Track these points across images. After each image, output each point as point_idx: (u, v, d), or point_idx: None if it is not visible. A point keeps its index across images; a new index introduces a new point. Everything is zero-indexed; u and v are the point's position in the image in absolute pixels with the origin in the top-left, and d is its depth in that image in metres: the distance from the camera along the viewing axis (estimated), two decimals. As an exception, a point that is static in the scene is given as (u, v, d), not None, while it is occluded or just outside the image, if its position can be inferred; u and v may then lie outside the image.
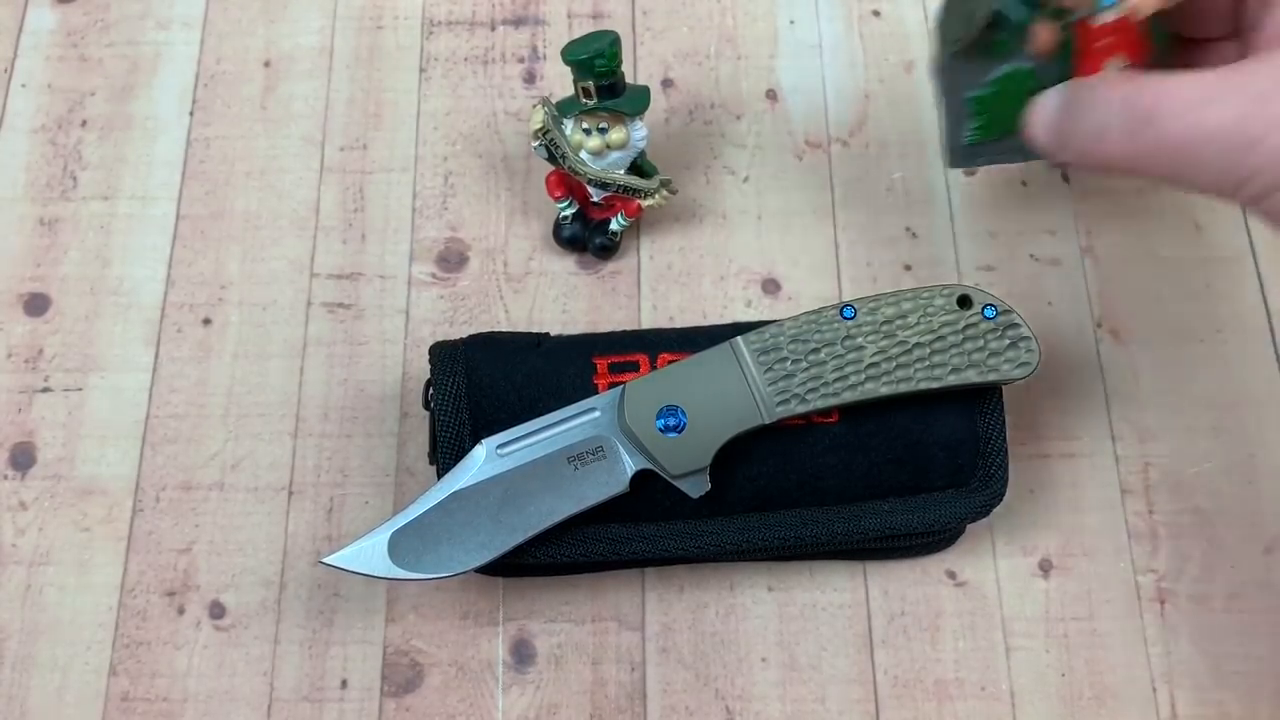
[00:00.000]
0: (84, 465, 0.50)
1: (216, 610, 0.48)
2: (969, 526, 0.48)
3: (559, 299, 0.53)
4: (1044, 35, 0.41)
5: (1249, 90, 0.35)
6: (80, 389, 0.52)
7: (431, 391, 0.46)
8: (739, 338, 0.44)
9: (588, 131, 0.50)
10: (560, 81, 0.57)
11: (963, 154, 0.45)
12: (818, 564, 0.49)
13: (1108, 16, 0.40)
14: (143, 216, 0.55)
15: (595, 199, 0.53)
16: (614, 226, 0.53)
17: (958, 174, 0.55)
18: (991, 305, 0.44)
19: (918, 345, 0.44)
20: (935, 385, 0.44)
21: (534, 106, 0.50)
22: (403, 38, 0.59)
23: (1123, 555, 0.49)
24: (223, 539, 0.49)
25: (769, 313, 0.53)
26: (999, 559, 0.49)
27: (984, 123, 0.43)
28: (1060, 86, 0.40)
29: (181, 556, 0.49)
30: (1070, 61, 0.41)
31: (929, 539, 0.47)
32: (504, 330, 0.52)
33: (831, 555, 0.48)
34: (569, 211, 0.53)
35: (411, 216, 0.55)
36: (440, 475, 0.44)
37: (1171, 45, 0.42)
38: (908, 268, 0.54)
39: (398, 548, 0.43)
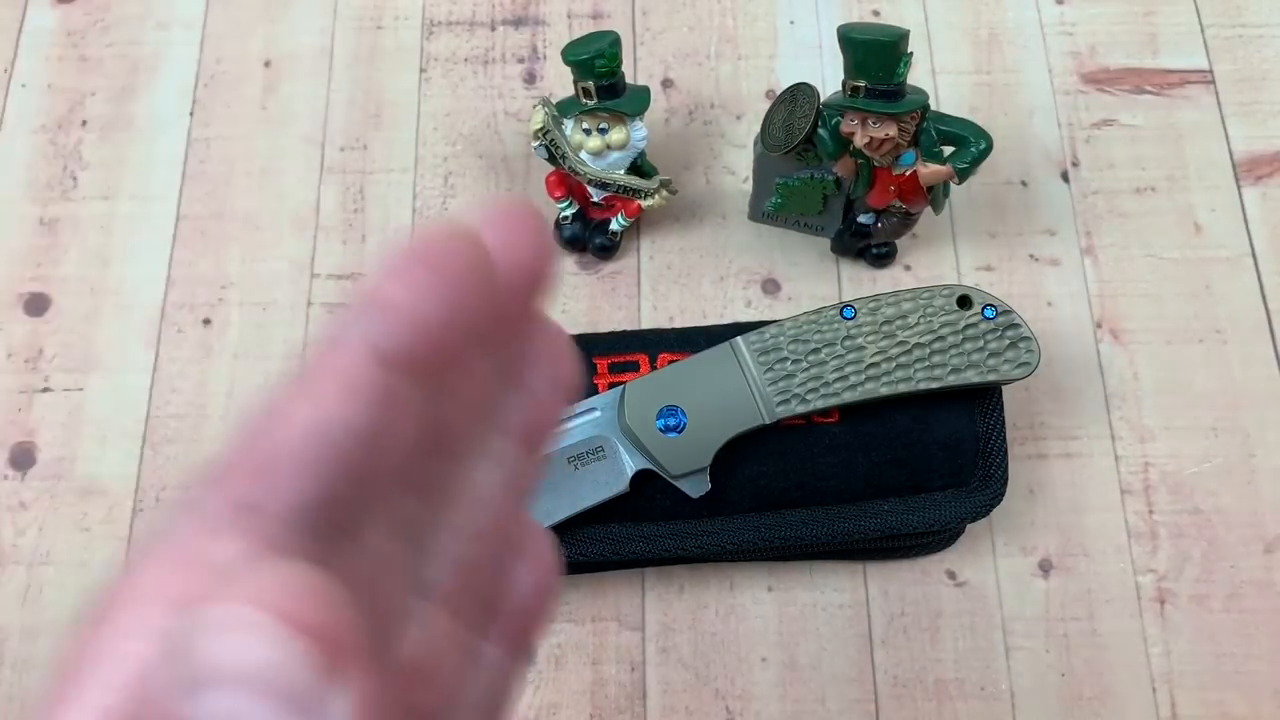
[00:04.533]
0: (84, 465, 0.50)
1: (216, 610, 0.48)
2: (969, 526, 0.48)
3: (559, 299, 0.53)
4: (846, 166, 0.49)
5: None
6: (80, 389, 0.52)
7: (431, 391, 0.46)
8: (739, 338, 0.44)
9: (588, 132, 0.50)
10: (560, 81, 0.57)
11: (762, 215, 0.54)
12: (818, 564, 0.49)
13: (900, 170, 0.48)
14: (143, 216, 0.55)
15: (595, 199, 0.53)
16: (614, 226, 0.53)
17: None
18: (991, 305, 0.44)
19: (918, 345, 0.44)
20: (935, 385, 0.44)
21: (534, 107, 0.50)
22: (403, 38, 0.59)
23: (1123, 555, 0.49)
24: (223, 539, 0.49)
25: (769, 313, 0.53)
26: (999, 559, 0.49)
27: (783, 202, 0.52)
28: None
29: (181, 556, 0.49)
30: (866, 183, 0.49)
31: (929, 539, 0.47)
32: (504, 330, 0.52)
33: (831, 555, 0.48)
34: (569, 211, 0.53)
35: (411, 217, 0.55)
36: (440, 475, 0.44)
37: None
38: (908, 268, 0.54)
39: (398, 548, 0.42)
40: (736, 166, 0.56)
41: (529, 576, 0.21)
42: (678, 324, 0.53)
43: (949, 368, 0.44)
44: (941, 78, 0.58)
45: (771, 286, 0.54)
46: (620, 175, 0.51)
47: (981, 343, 0.44)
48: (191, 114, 0.58)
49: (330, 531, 0.16)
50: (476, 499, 0.20)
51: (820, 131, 0.48)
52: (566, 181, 0.52)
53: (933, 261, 0.54)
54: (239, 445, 0.16)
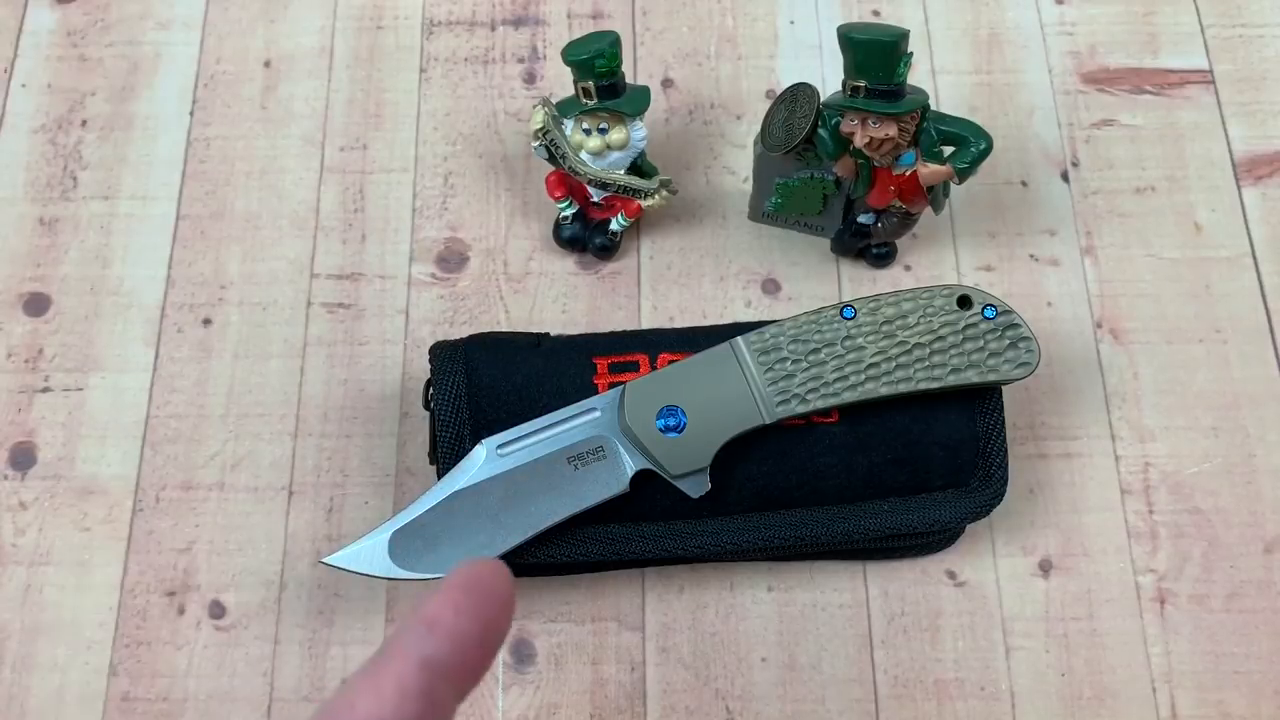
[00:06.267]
0: (84, 465, 0.50)
1: (216, 610, 0.48)
2: (969, 526, 0.48)
3: (559, 299, 0.53)
4: (846, 166, 0.49)
5: None
6: (80, 389, 0.52)
7: (431, 391, 0.46)
8: (739, 338, 0.44)
9: (588, 132, 0.50)
10: (560, 81, 0.57)
11: (762, 215, 0.54)
12: (818, 564, 0.49)
13: (900, 170, 0.48)
14: (143, 216, 0.55)
15: (595, 199, 0.53)
16: (614, 226, 0.53)
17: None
18: (991, 305, 0.44)
19: (918, 345, 0.44)
20: (935, 385, 0.44)
21: (534, 107, 0.50)
22: (403, 38, 0.59)
23: (1123, 555, 0.49)
24: (223, 539, 0.49)
25: (769, 313, 0.53)
26: (999, 559, 0.49)
27: (783, 202, 0.53)
28: None
29: (181, 556, 0.49)
30: (866, 183, 0.49)
31: (929, 539, 0.47)
32: (504, 330, 0.52)
33: (831, 555, 0.48)
34: (569, 211, 0.53)
35: (411, 216, 0.55)
36: (440, 475, 0.44)
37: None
38: (908, 268, 0.54)
39: (398, 548, 0.43)
40: (736, 166, 0.56)
41: None
42: (678, 324, 0.53)
43: (949, 368, 0.44)
44: (941, 78, 0.58)
45: (771, 286, 0.54)
46: (620, 175, 0.51)
47: (981, 343, 0.44)
48: (191, 114, 0.58)
49: None
50: None
51: (820, 131, 0.48)
52: (566, 181, 0.52)
53: (933, 261, 0.54)
54: None
